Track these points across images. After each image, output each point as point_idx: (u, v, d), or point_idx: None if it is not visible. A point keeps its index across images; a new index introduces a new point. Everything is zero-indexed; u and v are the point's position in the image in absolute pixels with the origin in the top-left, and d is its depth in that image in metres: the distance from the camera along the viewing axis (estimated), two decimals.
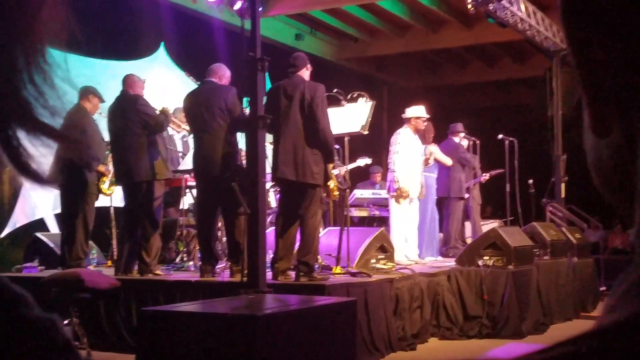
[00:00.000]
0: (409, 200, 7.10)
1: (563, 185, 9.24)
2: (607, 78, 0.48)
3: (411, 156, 7.11)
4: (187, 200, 7.29)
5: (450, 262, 6.79)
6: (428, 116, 7.31)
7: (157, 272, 5.68)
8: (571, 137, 9.43)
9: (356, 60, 12.06)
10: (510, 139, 8.42)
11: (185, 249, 6.82)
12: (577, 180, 9.41)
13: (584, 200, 9.11)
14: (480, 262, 6.31)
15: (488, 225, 8.95)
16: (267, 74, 4.91)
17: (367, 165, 8.75)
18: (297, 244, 5.19)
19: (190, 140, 6.64)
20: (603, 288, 8.06)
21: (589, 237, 9.32)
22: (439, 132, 8.09)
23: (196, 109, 5.43)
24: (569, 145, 9.25)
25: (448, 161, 8.10)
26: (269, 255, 5.26)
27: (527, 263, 6.57)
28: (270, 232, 5.51)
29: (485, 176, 8.75)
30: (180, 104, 6.12)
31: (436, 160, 7.93)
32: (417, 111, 7.27)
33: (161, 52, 9.43)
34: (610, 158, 0.49)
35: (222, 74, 5.60)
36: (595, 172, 0.52)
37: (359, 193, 8.89)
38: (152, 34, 9.15)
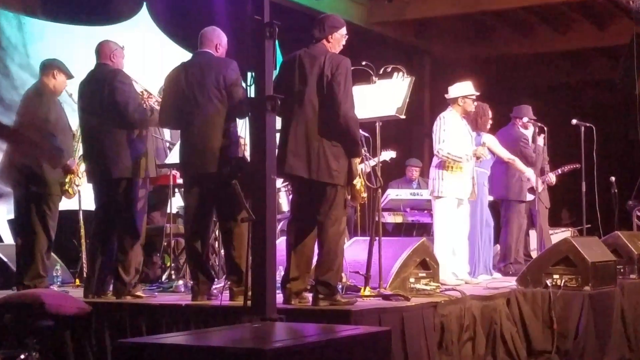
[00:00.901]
0: (457, 203, 7.06)
1: None
2: None
3: (459, 146, 7.08)
4: (177, 203, 7.29)
5: (511, 282, 6.77)
6: (477, 93, 7.31)
7: (138, 293, 5.70)
8: None
9: (391, 25, 12.02)
10: (587, 125, 8.35)
11: (173, 264, 6.84)
12: None
13: None
14: (548, 282, 6.31)
15: (559, 235, 8.92)
16: (277, 43, 4.87)
17: (392, 160, 8.72)
18: (315, 259, 5.19)
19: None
20: None
21: None
22: (495, 117, 8.01)
23: (186, 87, 5.42)
24: None
25: (506, 155, 8.04)
26: (280, 273, 5.26)
27: (608, 283, 6.56)
28: (281, 243, 5.52)
29: (551, 179, 8.67)
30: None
31: (491, 153, 7.87)
32: (463, 88, 7.27)
33: (143, 15, 9.44)
34: None
35: (219, 42, 5.58)
36: None
37: (394, 194, 8.91)
38: None
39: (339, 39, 5.27)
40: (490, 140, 7.87)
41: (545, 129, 8.43)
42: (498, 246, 8.58)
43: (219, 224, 5.66)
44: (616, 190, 9.11)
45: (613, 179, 9.17)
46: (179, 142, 6.39)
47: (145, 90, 5.85)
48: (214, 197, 5.40)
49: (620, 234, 7.52)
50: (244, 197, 4.59)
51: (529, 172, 8.16)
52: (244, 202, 4.58)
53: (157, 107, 5.70)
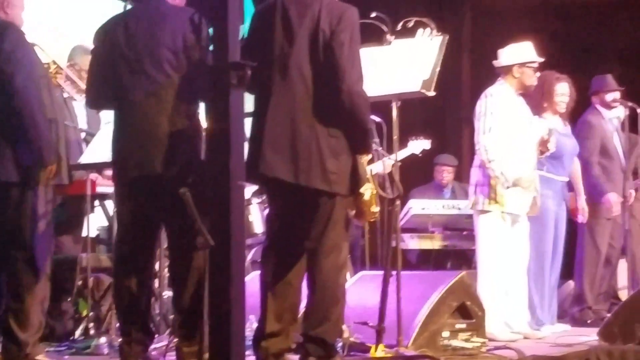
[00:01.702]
0: (512, 220, 7.10)
1: None
2: None
3: (516, 137, 7.11)
4: (97, 222, 7.25)
5: (590, 336, 6.81)
6: (541, 59, 7.36)
7: (40, 357, 5.66)
8: None
9: None
10: None
11: (92, 314, 6.82)
12: None
13: None
14: None
15: None
16: None
17: (424, 152, 8.74)
18: (304, 304, 5.18)
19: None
20: None
21: None
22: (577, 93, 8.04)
23: (126, 50, 5.39)
24: None
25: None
26: (252, 325, 5.30)
27: None
28: (254, 280, 5.50)
29: None
30: (85, 39, 6.08)
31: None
32: (520, 53, 7.32)
33: None
34: None
35: None
36: None
37: (419, 207, 8.90)
38: None
39: None
40: (561, 129, 7.90)
41: (638, 110, 8.44)
42: (571, 283, 8.58)
43: (169, 253, 5.64)
44: None
45: None
46: (99, 132, 6.33)
47: (54, 62, 5.83)
48: (158, 213, 5.36)
49: None
50: (199, 212, 4.57)
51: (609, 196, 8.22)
52: (198, 220, 4.56)
53: (70, 87, 5.68)
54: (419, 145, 8.71)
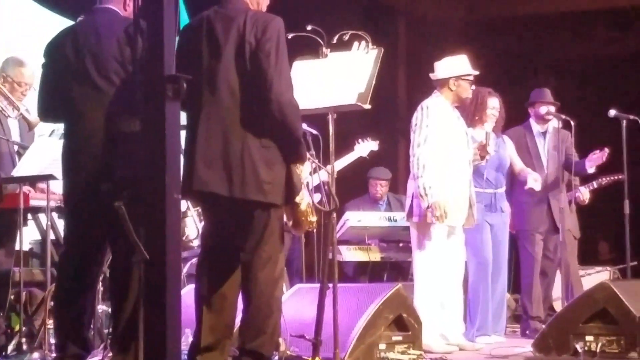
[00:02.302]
0: (448, 232, 7.13)
1: None
2: None
3: (451, 149, 7.17)
4: (30, 236, 7.17)
5: (525, 347, 6.86)
6: (476, 72, 7.42)
7: None
8: None
9: None
10: (631, 117, 8.47)
11: (25, 329, 6.74)
12: None
13: None
14: (578, 347, 6.38)
15: (592, 278, 8.98)
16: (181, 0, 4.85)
17: (370, 156, 8.74)
18: (240, 317, 5.17)
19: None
20: None
21: None
22: (510, 107, 8.11)
23: (75, 61, 5.37)
24: None
25: (521, 165, 8.15)
26: (187, 339, 5.25)
27: None
28: (189, 293, 5.48)
29: (583, 195, 8.78)
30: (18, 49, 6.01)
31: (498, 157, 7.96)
32: (456, 65, 7.37)
33: None
34: None
35: None
36: None
37: (355, 218, 8.92)
38: None
39: None
40: (510, 145, 7.97)
41: (572, 122, 8.53)
42: (508, 295, 8.63)
43: (110, 267, 5.60)
44: None
45: None
46: (32, 145, 6.27)
47: None
48: (105, 228, 5.31)
49: None
50: (134, 226, 4.53)
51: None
52: (133, 234, 4.52)
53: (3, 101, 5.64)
54: (365, 147, 8.70)
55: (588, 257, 10.26)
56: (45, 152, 6.39)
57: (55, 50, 5.46)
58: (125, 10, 5.51)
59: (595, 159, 8.54)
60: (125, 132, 5.26)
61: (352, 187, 9.97)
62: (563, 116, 8.44)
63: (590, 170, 8.64)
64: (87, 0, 5.62)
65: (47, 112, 5.61)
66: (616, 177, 8.76)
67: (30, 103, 6.53)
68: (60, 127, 6.53)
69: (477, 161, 7.54)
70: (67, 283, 5.43)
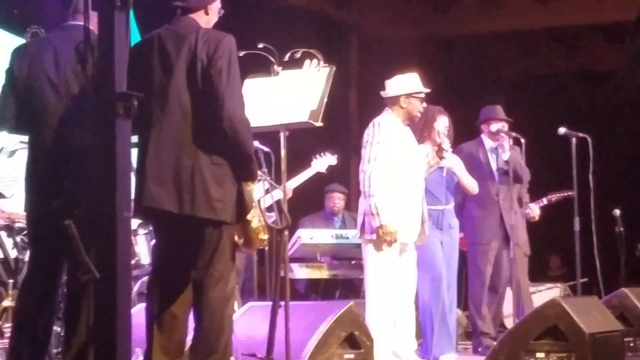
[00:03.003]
0: (400, 249, 7.14)
1: None
2: None
3: (403, 166, 7.18)
4: None
5: None
6: (427, 90, 7.44)
7: None
8: None
9: None
10: (581, 135, 8.54)
11: None
12: None
13: None
14: None
15: (543, 294, 9.02)
16: (132, 16, 4.83)
17: (329, 170, 8.73)
18: (191, 336, 5.14)
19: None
20: None
21: None
22: (458, 124, 8.13)
23: (54, 77, 5.36)
24: None
25: (472, 184, 8.16)
26: (137, 359, 5.28)
27: None
28: (140, 312, 5.43)
29: (533, 212, 8.82)
30: None
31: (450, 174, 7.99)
32: (407, 84, 7.39)
33: None
34: None
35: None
36: None
37: (307, 235, 8.91)
38: None
39: (215, 12, 5.31)
40: (457, 163, 7.99)
41: (522, 140, 8.58)
42: (459, 312, 8.65)
43: (67, 287, 5.56)
44: (622, 229, 9.32)
45: (618, 212, 9.38)
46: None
47: None
48: (62, 248, 5.24)
49: (629, 292, 7.68)
50: (84, 245, 4.50)
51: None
52: (83, 252, 4.49)
53: None
54: (323, 162, 8.67)
55: (538, 273, 10.32)
56: None
57: (30, 61, 5.44)
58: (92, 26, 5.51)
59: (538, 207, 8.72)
60: (76, 148, 5.25)
61: (307, 204, 9.97)
62: (514, 134, 8.49)
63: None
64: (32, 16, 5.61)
65: (18, 121, 5.53)
66: (566, 194, 8.82)
67: None
68: (7, 145, 6.49)
69: (434, 165, 7.57)
70: (30, 307, 5.37)
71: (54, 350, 6.07)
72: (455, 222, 8.03)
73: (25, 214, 5.61)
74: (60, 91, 5.33)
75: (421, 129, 7.75)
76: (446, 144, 7.59)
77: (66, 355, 5.34)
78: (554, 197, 8.96)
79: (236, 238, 5.23)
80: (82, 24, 5.41)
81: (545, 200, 8.98)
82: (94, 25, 5.45)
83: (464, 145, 8.65)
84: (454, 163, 7.99)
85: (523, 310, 8.20)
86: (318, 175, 8.92)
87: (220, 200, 5.00)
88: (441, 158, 7.56)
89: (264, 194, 6.18)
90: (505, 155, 8.46)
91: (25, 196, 5.48)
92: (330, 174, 9.23)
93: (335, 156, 8.70)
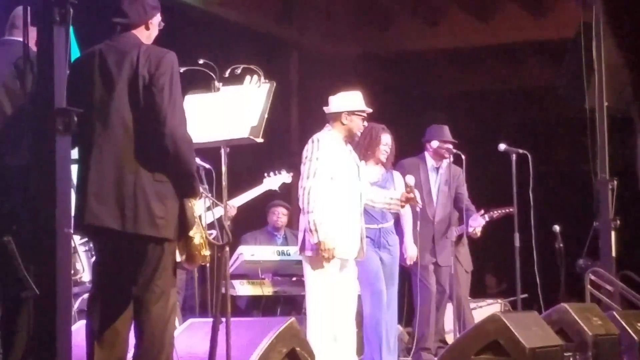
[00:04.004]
0: (340, 265, 7.15)
1: (614, 235, 9.49)
2: None
3: (341, 182, 7.20)
4: None
5: None
6: (369, 110, 7.46)
7: None
8: (628, 145, 9.71)
9: (242, 6, 12.10)
10: (521, 151, 8.61)
11: None
12: (637, 225, 9.69)
13: None
14: None
15: (483, 310, 9.08)
16: (72, 31, 4.83)
17: (282, 188, 8.71)
18: (132, 353, 5.12)
19: None
20: None
21: None
22: (400, 141, 8.18)
23: None
24: (623, 162, 9.53)
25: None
26: None
27: None
28: (80, 329, 5.41)
29: (475, 228, 8.89)
30: None
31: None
32: (350, 101, 7.41)
33: None
34: None
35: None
36: None
37: (249, 252, 8.89)
38: None
39: (156, 25, 5.31)
40: (398, 179, 8.05)
41: (463, 157, 8.64)
42: (399, 327, 8.67)
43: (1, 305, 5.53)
44: (562, 245, 9.41)
45: (557, 228, 9.47)
46: None
47: None
48: None
49: (568, 307, 7.73)
50: (23, 263, 4.48)
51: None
52: (22, 269, 4.47)
53: None
54: (276, 180, 8.61)
55: (477, 289, 10.37)
56: None
57: None
58: (31, 41, 5.48)
59: (478, 223, 8.75)
60: (10, 165, 5.22)
61: (249, 220, 9.95)
62: (455, 151, 8.56)
63: (470, 229, 8.81)
64: None
65: None
66: (507, 210, 8.87)
67: None
68: None
69: (394, 210, 7.64)
70: None
71: None
72: (393, 239, 8.05)
73: None
74: None
75: (365, 147, 7.80)
76: (418, 196, 7.63)
77: None
78: (495, 213, 9.01)
79: (178, 255, 5.25)
80: (19, 39, 5.42)
81: (487, 217, 9.03)
82: (32, 41, 5.46)
83: (404, 161, 8.70)
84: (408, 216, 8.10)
85: (464, 325, 8.25)
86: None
87: (163, 217, 4.99)
88: (403, 207, 7.60)
89: (205, 211, 6.19)
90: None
91: None
92: (271, 191, 9.24)
93: (291, 174, 8.67)
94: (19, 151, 5.25)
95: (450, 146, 8.66)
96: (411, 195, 7.49)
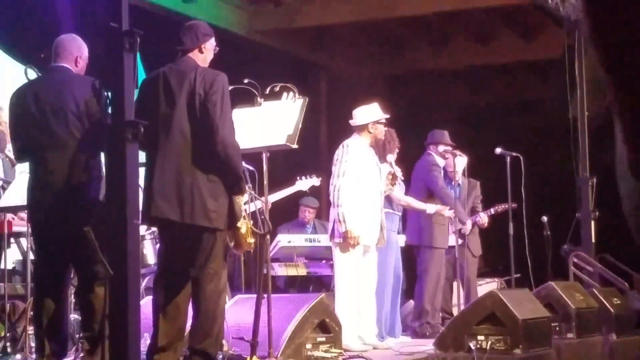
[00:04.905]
0: (363, 251, 7.15)
1: (593, 224, 9.48)
2: None
3: (366, 181, 7.19)
4: (13, 257, 7.12)
5: (427, 346, 6.86)
6: (387, 116, 7.46)
7: None
8: (604, 149, 9.72)
9: (279, 34, 12.13)
10: (514, 154, 8.60)
11: (9, 334, 6.66)
12: (613, 216, 9.65)
13: (624, 247, 9.33)
14: (472, 345, 6.40)
15: (483, 288, 9.06)
16: (139, 57, 4.87)
17: (311, 190, 8.74)
18: (190, 323, 5.16)
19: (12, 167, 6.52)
20: None
21: (633, 302, 9.54)
22: (406, 144, 8.18)
23: (38, 113, 5.33)
24: (601, 163, 9.52)
25: (419, 205, 8.17)
26: (145, 342, 5.21)
27: (542, 344, 6.71)
28: (147, 304, 5.46)
29: (482, 219, 8.88)
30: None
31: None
32: (372, 112, 7.40)
33: None
34: None
35: (80, 55, 5.50)
36: (636, 220, 0.54)
37: (286, 240, 8.90)
38: None
39: (210, 50, 5.34)
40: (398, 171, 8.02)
41: (466, 158, 8.64)
42: (412, 302, 8.67)
43: (77, 282, 5.57)
44: (549, 233, 9.38)
45: (545, 219, 9.44)
46: (14, 180, 6.25)
47: None
48: (67, 248, 5.29)
49: (555, 285, 7.71)
50: (100, 247, 4.54)
51: (430, 208, 8.30)
52: (100, 253, 4.53)
53: None
54: (307, 183, 8.61)
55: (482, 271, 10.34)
56: (25, 186, 6.36)
57: (17, 104, 5.44)
58: (77, 67, 5.49)
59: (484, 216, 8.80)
60: (84, 171, 5.28)
61: (284, 214, 9.98)
62: (458, 152, 8.55)
63: (478, 219, 8.84)
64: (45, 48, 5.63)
65: (18, 154, 5.62)
66: (504, 207, 8.82)
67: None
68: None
69: (389, 190, 7.63)
70: (41, 295, 5.39)
71: (77, 335, 6.08)
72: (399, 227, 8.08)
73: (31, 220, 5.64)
74: (41, 126, 5.31)
75: (382, 148, 7.81)
76: (398, 172, 7.64)
77: (85, 339, 5.36)
78: (499, 208, 8.97)
79: (228, 242, 5.30)
80: (63, 65, 5.45)
81: (492, 211, 9.00)
82: (79, 65, 5.52)
83: (429, 162, 8.64)
84: (399, 194, 8.07)
85: (470, 301, 8.23)
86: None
87: (215, 211, 5.03)
88: (393, 185, 7.61)
89: (249, 206, 6.23)
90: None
91: (30, 209, 5.54)
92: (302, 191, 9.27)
93: (320, 179, 8.68)
94: (92, 162, 5.34)
95: (450, 148, 8.66)
96: (392, 171, 7.48)
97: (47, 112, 5.31)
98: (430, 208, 8.29)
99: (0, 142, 5.66)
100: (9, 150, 6.97)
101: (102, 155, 5.30)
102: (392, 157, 7.70)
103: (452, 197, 8.38)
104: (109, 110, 4.78)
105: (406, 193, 8.27)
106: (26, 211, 6.06)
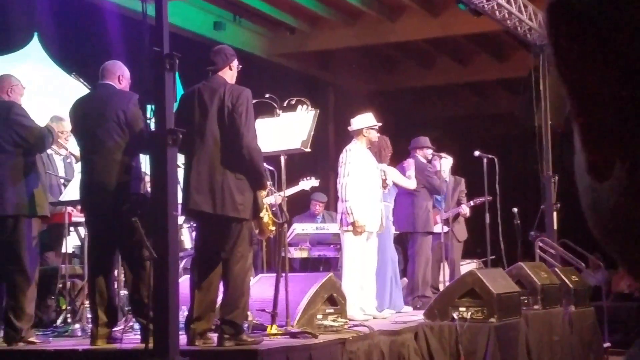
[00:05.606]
0: (367, 236, 7.13)
1: (555, 214, 9.46)
2: (605, 94, 0.47)
3: (367, 178, 7.17)
4: (72, 242, 7.12)
5: (418, 316, 6.84)
6: (379, 124, 7.44)
7: (32, 339, 5.51)
8: (564, 152, 9.69)
9: (294, 57, 12.16)
10: (490, 156, 8.58)
11: (69, 307, 6.66)
12: (572, 208, 9.62)
13: (581, 233, 9.30)
14: (455, 315, 6.38)
15: (465, 267, 9.06)
16: (177, 75, 4.87)
17: (312, 189, 8.74)
18: (221, 297, 5.15)
19: (76, 163, 6.53)
20: (607, 344, 8.22)
21: (588, 279, 9.54)
22: (399, 149, 8.16)
23: (86, 122, 5.38)
24: (561, 164, 9.50)
25: (411, 184, 8.14)
26: (183, 313, 5.20)
27: (513, 314, 6.69)
28: (185, 281, 5.46)
29: (464, 210, 8.87)
30: (61, 112, 5.98)
31: (395, 185, 7.98)
32: (366, 119, 7.38)
33: (34, 45, 9.24)
34: (612, 202, 0.48)
35: (122, 74, 5.55)
36: (592, 215, 0.51)
37: (300, 228, 8.90)
38: (23, 20, 8.97)
39: (235, 68, 5.34)
40: (391, 170, 7.98)
41: (451, 159, 8.64)
42: (405, 280, 8.66)
43: (123, 263, 5.57)
44: (519, 222, 9.36)
45: (516, 210, 9.42)
46: (75, 178, 6.26)
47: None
48: (115, 235, 5.29)
49: (524, 265, 7.69)
50: (145, 234, 4.53)
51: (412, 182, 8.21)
52: (145, 240, 4.52)
53: (52, 136, 5.71)
54: (308, 183, 8.60)
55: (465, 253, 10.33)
56: None
57: (74, 113, 5.52)
58: (120, 84, 5.54)
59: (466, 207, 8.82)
60: (126, 172, 5.29)
61: (297, 207, 9.98)
62: (443, 155, 8.53)
63: (461, 210, 8.86)
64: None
65: (79, 154, 5.68)
66: (483, 199, 8.82)
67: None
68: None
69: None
70: (94, 275, 5.41)
71: (126, 308, 6.08)
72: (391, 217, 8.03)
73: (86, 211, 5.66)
74: (89, 133, 5.36)
75: (379, 152, 7.78)
76: (389, 180, 7.59)
77: (133, 312, 5.39)
78: (478, 200, 8.96)
79: (253, 229, 5.30)
80: (108, 82, 5.50)
81: (472, 203, 9.01)
82: (122, 82, 5.53)
83: (416, 162, 8.60)
84: (391, 174, 8.00)
85: (454, 279, 8.22)
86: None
87: (242, 203, 5.03)
88: (385, 188, 7.58)
89: (270, 199, 6.21)
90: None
91: (82, 202, 5.59)
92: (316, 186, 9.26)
93: (319, 180, 8.69)
94: (132, 163, 5.35)
95: (433, 152, 8.65)
96: (384, 177, 7.45)
97: (93, 120, 5.35)
98: (412, 184, 8.22)
99: (48, 144, 5.75)
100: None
101: (141, 157, 5.34)
102: (383, 166, 7.67)
103: (437, 181, 8.36)
104: (152, 120, 4.78)
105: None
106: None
